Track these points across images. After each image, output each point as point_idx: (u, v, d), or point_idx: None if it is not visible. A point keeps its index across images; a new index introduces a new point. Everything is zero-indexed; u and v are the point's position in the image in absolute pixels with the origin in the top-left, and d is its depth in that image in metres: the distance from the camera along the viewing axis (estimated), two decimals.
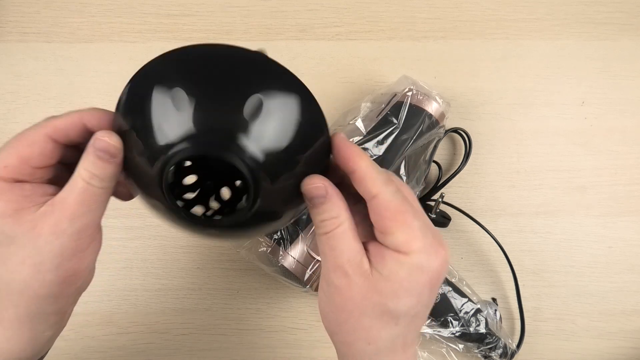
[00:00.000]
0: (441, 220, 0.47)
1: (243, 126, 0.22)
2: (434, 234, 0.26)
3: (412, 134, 0.42)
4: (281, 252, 0.38)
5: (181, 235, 0.49)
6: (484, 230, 0.49)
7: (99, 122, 0.26)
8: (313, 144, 0.25)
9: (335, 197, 0.26)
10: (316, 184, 0.25)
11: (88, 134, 0.25)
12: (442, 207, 0.48)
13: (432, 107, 0.43)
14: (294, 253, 0.38)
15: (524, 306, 0.47)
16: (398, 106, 0.42)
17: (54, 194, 0.25)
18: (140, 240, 0.48)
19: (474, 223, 0.49)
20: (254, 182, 0.23)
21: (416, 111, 0.42)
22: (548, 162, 0.50)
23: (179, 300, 0.48)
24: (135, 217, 0.48)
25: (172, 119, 0.23)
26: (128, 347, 0.47)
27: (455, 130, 0.49)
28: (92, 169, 0.25)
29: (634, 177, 0.50)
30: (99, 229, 0.28)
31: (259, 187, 0.23)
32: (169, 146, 0.22)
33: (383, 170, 0.27)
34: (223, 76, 0.23)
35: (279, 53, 0.51)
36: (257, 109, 0.23)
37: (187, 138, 0.22)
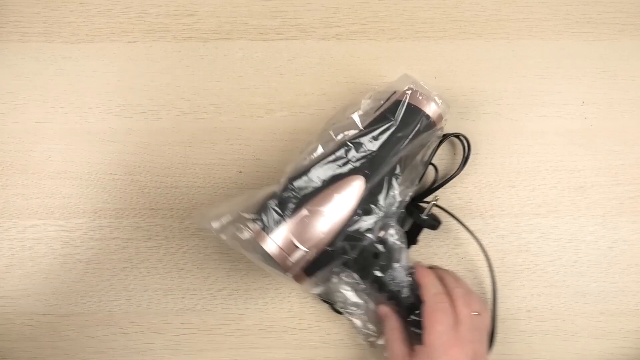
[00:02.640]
0: (432, 223, 0.46)
1: None
2: (456, 335, 0.38)
3: (408, 132, 0.41)
4: (264, 237, 0.38)
5: (181, 235, 0.49)
6: (484, 230, 0.49)
7: None
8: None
9: (390, 316, 0.43)
10: (382, 309, 0.43)
11: None
12: (441, 208, 0.48)
13: (431, 108, 0.43)
14: (277, 239, 0.38)
15: (523, 306, 0.47)
16: (397, 104, 0.42)
17: None
18: (140, 240, 0.48)
19: (475, 223, 0.49)
20: None
21: (414, 110, 0.42)
22: (548, 162, 0.50)
23: (179, 300, 0.48)
24: (135, 217, 0.48)
25: None
26: (128, 347, 0.47)
27: (457, 136, 0.49)
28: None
29: (634, 177, 0.50)
30: None
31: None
32: None
33: (439, 286, 0.42)
34: None
35: (279, 53, 0.51)
36: None
37: None
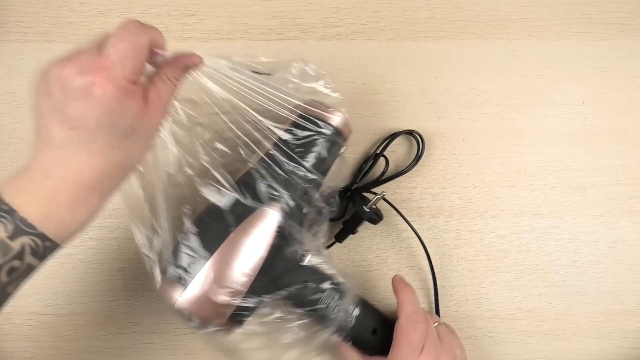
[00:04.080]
0: (373, 217, 0.46)
1: None
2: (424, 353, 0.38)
3: (313, 149, 0.39)
4: (177, 290, 0.33)
5: None
6: (484, 230, 0.49)
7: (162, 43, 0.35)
8: None
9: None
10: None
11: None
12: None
13: (335, 120, 0.40)
14: (189, 294, 0.33)
15: (523, 306, 0.47)
16: (303, 117, 0.40)
17: (144, 91, 0.31)
18: None
19: (475, 223, 0.49)
20: None
21: (315, 123, 0.39)
22: (548, 162, 0.50)
23: None
24: None
25: None
26: (128, 347, 0.47)
27: (410, 132, 0.49)
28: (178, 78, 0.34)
29: (634, 177, 0.50)
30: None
31: None
32: None
33: (416, 304, 0.41)
34: None
35: (279, 53, 0.51)
36: None
37: None
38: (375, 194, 0.46)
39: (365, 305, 0.42)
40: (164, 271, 0.36)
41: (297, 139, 0.39)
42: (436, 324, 0.42)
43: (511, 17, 0.52)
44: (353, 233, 0.47)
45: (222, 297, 0.34)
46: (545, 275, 0.49)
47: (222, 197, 0.36)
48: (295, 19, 0.51)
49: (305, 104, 0.40)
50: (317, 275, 0.40)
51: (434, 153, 0.50)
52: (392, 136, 0.48)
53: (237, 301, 0.34)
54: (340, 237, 0.47)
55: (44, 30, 0.51)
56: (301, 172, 0.38)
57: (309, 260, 0.40)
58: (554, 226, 0.50)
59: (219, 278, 0.34)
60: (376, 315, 0.42)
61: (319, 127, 0.39)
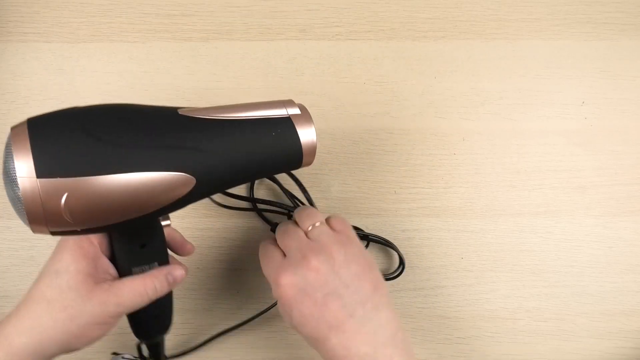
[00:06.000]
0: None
1: None
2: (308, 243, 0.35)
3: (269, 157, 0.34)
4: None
5: None
6: (484, 230, 0.49)
7: None
8: None
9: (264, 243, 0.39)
10: None
11: None
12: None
13: (307, 140, 0.34)
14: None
15: (523, 306, 0.47)
16: (274, 120, 0.34)
17: (113, 275, 0.35)
18: None
19: (475, 223, 0.49)
20: None
21: (290, 134, 0.34)
22: (548, 162, 0.50)
23: (179, 300, 0.48)
24: None
25: None
26: (128, 347, 0.47)
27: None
28: (159, 288, 0.34)
29: (634, 177, 0.50)
30: (117, 323, 0.35)
31: None
32: None
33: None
34: None
35: (279, 53, 0.51)
36: None
37: None
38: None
39: None
40: None
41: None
42: (317, 223, 0.37)
43: (511, 17, 0.52)
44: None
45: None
46: (545, 275, 0.49)
47: None
48: (295, 19, 0.51)
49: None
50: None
51: (434, 153, 0.50)
52: None
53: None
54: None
55: (44, 30, 0.51)
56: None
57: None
58: (553, 226, 0.50)
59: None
60: None
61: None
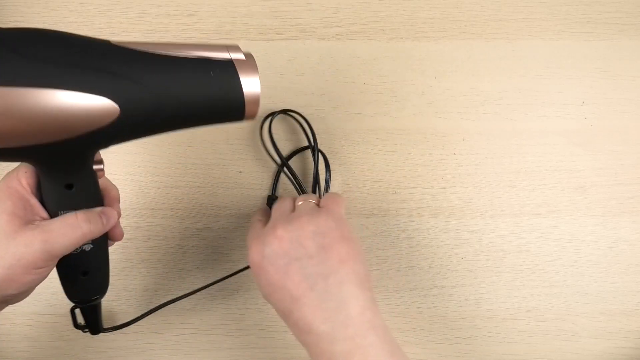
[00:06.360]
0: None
1: None
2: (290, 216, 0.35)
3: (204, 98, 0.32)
4: None
5: (181, 235, 0.49)
6: (484, 230, 0.49)
7: None
8: None
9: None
10: None
11: None
12: None
13: (251, 87, 0.33)
14: None
15: (523, 306, 0.47)
16: (217, 61, 0.32)
17: (45, 217, 0.32)
18: (140, 240, 0.48)
19: (475, 223, 0.49)
20: None
21: (231, 77, 0.32)
22: (548, 162, 0.50)
23: (179, 300, 0.48)
24: (135, 217, 0.48)
25: None
26: (128, 347, 0.47)
27: (285, 112, 0.49)
28: (93, 228, 0.32)
29: (634, 177, 0.50)
30: (53, 264, 0.33)
31: None
32: None
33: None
34: None
35: (279, 53, 0.51)
36: None
37: None
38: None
39: None
40: None
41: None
42: (311, 200, 0.38)
43: (511, 17, 0.52)
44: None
45: None
46: (545, 275, 0.49)
47: None
48: (295, 19, 0.51)
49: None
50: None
51: (434, 153, 0.50)
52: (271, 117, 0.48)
53: None
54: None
55: None
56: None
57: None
58: (553, 226, 0.50)
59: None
60: None
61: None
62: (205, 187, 0.49)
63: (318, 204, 0.38)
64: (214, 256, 0.49)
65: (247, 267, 0.47)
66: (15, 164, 0.33)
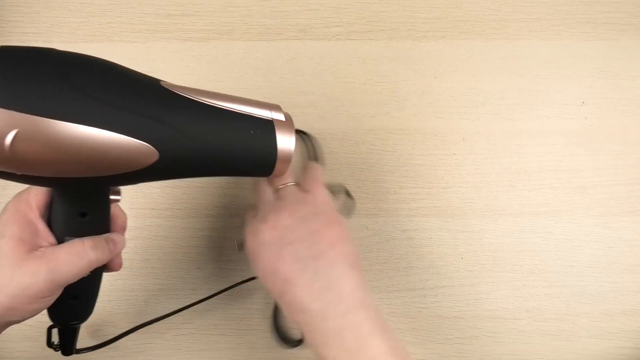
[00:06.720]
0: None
1: None
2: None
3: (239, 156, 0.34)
4: None
5: (181, 236, 0.49)
6: (484, 230, 0.49)
7: None
8: None
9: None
10: None
11: None
12: None
13: (285, 147, 0.34)
14: None
15: (523, 306, 0.47)
16: (258, 120, 0.34)
17: (52, 243, 0.32)
18: (140, 240, 0.48)
19: (475, 223, 0.49)
20: None
21: (268, 138, 0.34)
22: (548, 162, 0.50)
23: (179, 300, 0.48)
24: (135, 217, 0.48)
25: None
26: (128, 347, 0.47)
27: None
28: (100, 255, 0.32)
29: (634, 177, 0.50)
30: (59, 293, 0.32)
31: None
32: None
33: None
34: None
35: (279, 53, 0.51)
36: None
37: None
38: None
39: None
40: None
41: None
42: (289, 183, 0.38)
43: (511, 17, 0.52)
44: None
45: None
46: (545, 275, 0.49)
47: None
48: (295, 19, 0.51)
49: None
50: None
51: (434, 153, 0.50)
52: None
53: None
54: None
55: (44, 30, 0.51)
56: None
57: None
58: (553, 226, 0.50)
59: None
60: None
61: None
62: (205, 187, 0.49)
63: (298, 185, 0.38)
64: (213, 256, 0.49)
65: (253, 278, 0.46)
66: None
